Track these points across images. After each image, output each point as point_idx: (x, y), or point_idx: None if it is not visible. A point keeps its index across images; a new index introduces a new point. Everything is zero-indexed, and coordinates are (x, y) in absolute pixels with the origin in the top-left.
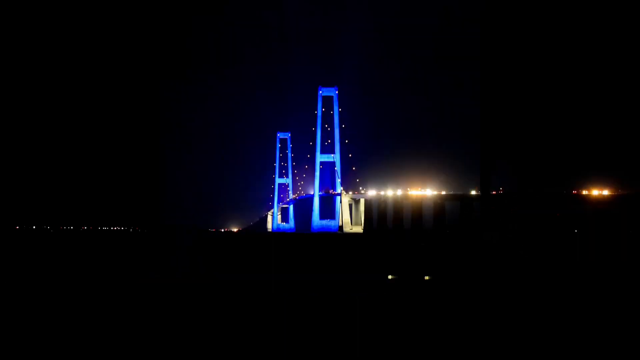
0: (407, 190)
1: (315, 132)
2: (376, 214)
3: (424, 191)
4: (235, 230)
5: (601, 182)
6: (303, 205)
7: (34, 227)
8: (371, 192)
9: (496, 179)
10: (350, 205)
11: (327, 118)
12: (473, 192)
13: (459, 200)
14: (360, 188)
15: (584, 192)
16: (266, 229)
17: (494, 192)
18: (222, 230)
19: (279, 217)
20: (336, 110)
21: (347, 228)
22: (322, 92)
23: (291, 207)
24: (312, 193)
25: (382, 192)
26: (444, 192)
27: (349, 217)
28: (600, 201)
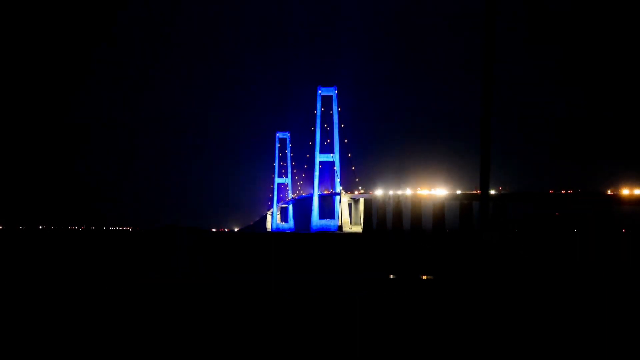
0: (416, 190)
1: (314, 132)
2: (376, 214)
3: (434, 191)
4: (236, 229)
5: (605, 182)
6: (302, 205)
7: (40, 227)
8: (378, 192)
9: (496, 179)
10: (349, 205)
11: (327, 118)
12: (493, 192)
13: (459, 200)
14: (360, 187)
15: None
16: (265, 228)
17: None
18: (225, 230)
19: (279, 216)
20: (335, 109)
21: (347, 228)
22: (322, 91)
23: (290, 207)
24: (311, 193)
25: (390, 192)
26: (458, 192)
27: (348, 216)
28: (603, 201)
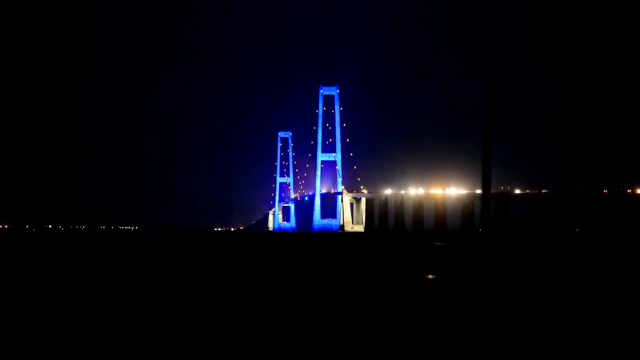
0: (429, 190)
1: (316, 131)
2: (377, 214)
3: (449, 190)
4: (241, 228)
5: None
6: (304, 204)
7: (47, 226)
8: (387, 191)
9: (498, 178)
10: (351, 205)
11: (328, 117)
12: (518, 191)
13: (460, 201)
14: (362, 187)
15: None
16: (267, 228)
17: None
18: (231, 229)
19: (280, 216)
20: (337, 109)
21: (349, 227)
22: (323, 90)
23: (292, 206)
24: (313, 192)
25: (402, 192)
26: (478, 191)
27: (350, 216)
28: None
